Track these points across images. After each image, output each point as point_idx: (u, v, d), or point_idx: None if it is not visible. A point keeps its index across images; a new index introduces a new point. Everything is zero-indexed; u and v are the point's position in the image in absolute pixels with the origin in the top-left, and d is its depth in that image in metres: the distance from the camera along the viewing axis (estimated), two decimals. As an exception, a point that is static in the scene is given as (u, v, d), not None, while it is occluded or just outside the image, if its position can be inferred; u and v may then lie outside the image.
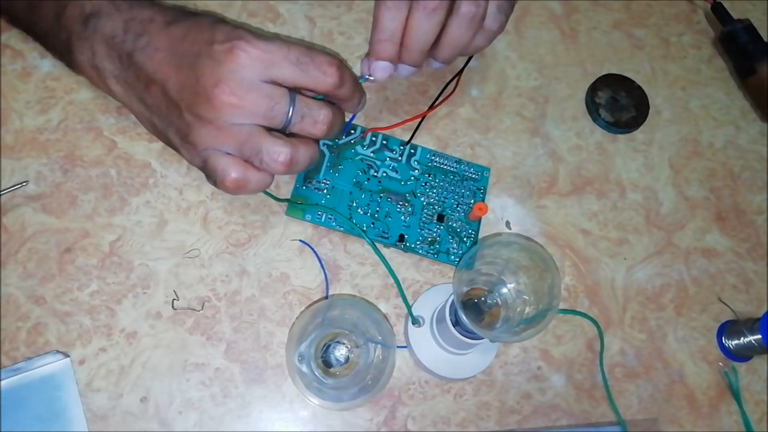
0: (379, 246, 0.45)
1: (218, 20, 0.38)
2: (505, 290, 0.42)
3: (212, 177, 0.38)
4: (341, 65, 0.38)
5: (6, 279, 0.42)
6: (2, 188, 0.42)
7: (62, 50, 0.41)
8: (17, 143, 0.44)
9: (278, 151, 0.37)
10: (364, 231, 0.45)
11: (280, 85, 0.37)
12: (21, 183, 0.43)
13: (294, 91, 0.37)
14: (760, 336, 0.45)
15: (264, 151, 0.37)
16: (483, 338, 0.39)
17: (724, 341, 0.47)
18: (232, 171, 0.37)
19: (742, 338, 0.46)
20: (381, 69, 0.40)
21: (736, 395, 0.46)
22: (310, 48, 0.37)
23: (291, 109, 0.37)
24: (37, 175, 0.44)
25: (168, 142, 0.40)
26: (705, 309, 0.48)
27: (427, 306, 0.44)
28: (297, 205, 0.45)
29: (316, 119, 0.38)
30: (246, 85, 0.35)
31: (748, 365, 0.47)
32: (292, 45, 0.37)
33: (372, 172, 0.47)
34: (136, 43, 0.38)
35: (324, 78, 0.37)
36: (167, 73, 0.37)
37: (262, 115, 0.36)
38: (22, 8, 0.43)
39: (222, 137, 0.37)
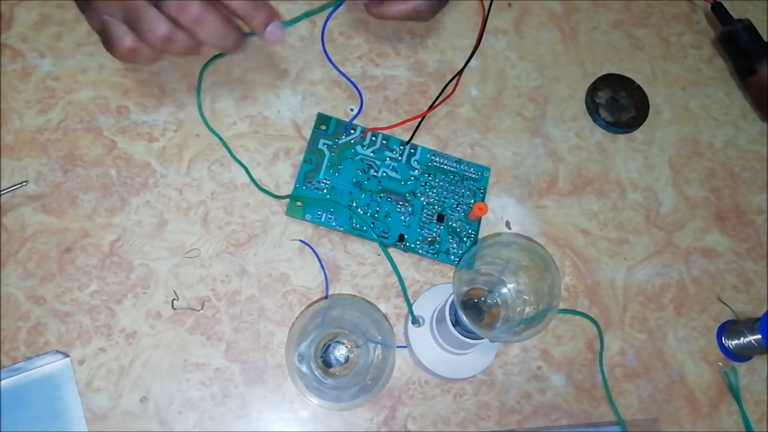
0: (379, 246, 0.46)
1: None
2: (505, 290, 0.42)
3: (108, 43, 0.38)
4: None
5: (6, 279, 0.42)
6: (2, 188, 0.42)
7: None
8: (17, 143, 0.44)
9: (156, 24, 0.37)
10: (373, 232, 0.45)
11: None
12: (21, 183, 0.43)
13: None
14: (760, 336, 0.45)
15: (144, 20, 0.37)
16: (483, 338, 0.39)
17: (724, 341, 0.47)
18: (127, 39, 0.38)
19: (742, 338, 0.46)
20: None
21: (736, 395, 0.46)
22: None
23: None
24: (37, 175, 0.44)
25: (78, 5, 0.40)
26: (705, 309, 0.48)
27: (427, 306, 0.44)
28: (296, 206, 0.45)
29: (183, 6, 0.37)
30: None
31: (748, 365, 0.47)
32: None
33: (372, 171, 0.47)
34: None
35: None
36: None
37: None
38: None
39: (110, 1, 0.37)
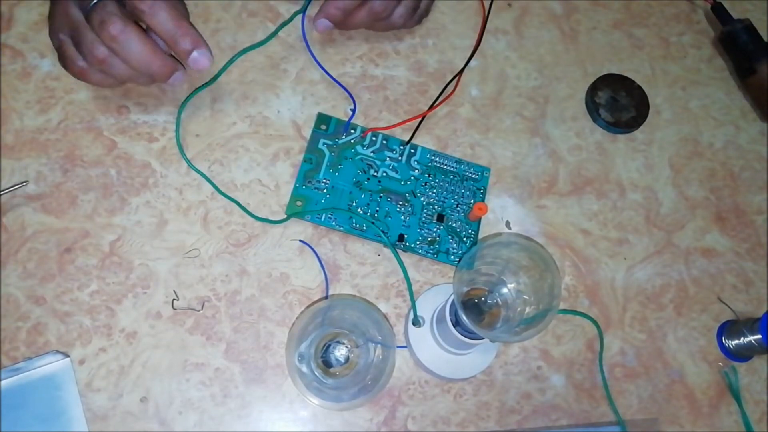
0: (379, 246, 0.45)
1: None
2: (505, 290, 0.42)
3: (62, 62, 0.40)
4: (163, 6, 0.38)
5: (6, 279, 0.42)
6: (2, 188, 0.42)
7: None
8: (17, 143, 0.44)
9: (94, 47, 0.39)
10: (383, 233, 0.45)
11: None
12: (21, 183, 0.43)
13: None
14: (760, 336, 0.45)
15: (84, 43, 0.39)
16: (483, 338, 0.39)
17: (724, 341, 0.47)
18: (78, 61, 0.40)
19: (742, 338, 0.46)
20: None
21: (736, 395, 0.46)
22: None
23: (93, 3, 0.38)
24: (37, 175, 0.44)
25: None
26: (705, 309, 0.48)
27: (427, 306, 0.44)
28: (296, 206, 0.45)
29: (106, 25, 0.38)
30: None
31: (748, 365, 0.47)
32: None
33: (372, 171, 0.47)
34: None
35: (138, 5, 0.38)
36: None
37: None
38: None
39: (62, 19, 0.39)
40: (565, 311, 0.46)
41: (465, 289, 0.42)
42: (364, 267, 0.45)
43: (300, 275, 0.44)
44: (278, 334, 0.43)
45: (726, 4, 0.54)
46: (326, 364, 0.42)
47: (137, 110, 0.46)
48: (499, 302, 0.42)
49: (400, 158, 0.48)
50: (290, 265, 0.44)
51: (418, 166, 0.48)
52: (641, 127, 0.52)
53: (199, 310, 0.43)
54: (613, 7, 0.56)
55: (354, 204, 0.46)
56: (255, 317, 0.43)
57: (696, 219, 0.50)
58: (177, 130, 0.46)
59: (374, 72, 0.50)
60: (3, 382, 0.39)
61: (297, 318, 0.43)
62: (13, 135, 0.44)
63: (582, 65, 0.54)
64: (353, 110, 0.48)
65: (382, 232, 0.45)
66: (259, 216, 0.45)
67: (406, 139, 0.48)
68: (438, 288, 0.45)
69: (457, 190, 0.47)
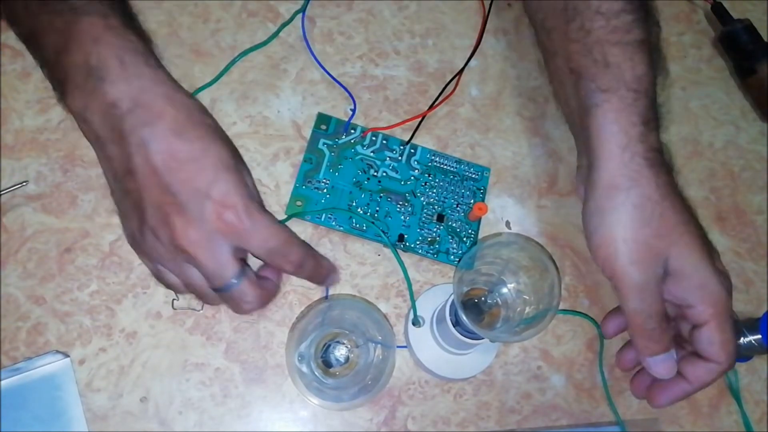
0: (379, 246, 0.45)
1: (222, 166, 0.37)
2: (505, 290, 0.42)
3: (159, 281, 0.40)
4: (303, 262, 0.39)
5: (6, 279, 0.42)
6: (2, 188, 0.42)
7: (55, 86, 0.39)
8: (17, 143, 0.44)
9: (214, 301, 0.40)
10: (383, 233, 0.45)
11: (240, 255, 0.38)
12: (21, 183, 0.43)
13: (246, 268, 0.38)
14: (760, 336, 0.45)
15: (206, 299, 0.40)
16: (483, 338, 0.39)
17: (724, 341, 0.47)
18: (181, 288, 0.39)
19: (742, 338, 0.46)
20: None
21: (736, 395, 0.46)
22: (289, 239, 0.38)
23: (232, 283, 0.37)
24: (37, 175, 0.44)
25: (117, 207, 0.40)
26: (705, 309, 0.48)
27: (427, 306, 0.44)
28: (296, 206, 0.45)
29: (240, 303, 0.39)
30: (210, 245, 0.36)
31: (748, 365, 0.47)
32: (275, 231, 0.38)
33: (372, 171, 0.47)
34: (136, 131, 0.36)
35: (282, 266, 0.39)
36: (151, 184, 0.36)
37: (205, 273, 0.37)
38: (23, 31, 0.40)
39: (163, 260, 0.38)
40: (565, 311, 0.46)
41: (465, 289, 0.42)
42: (364, 267, 0.45)
43: (300, 275, 0.44)
44: (278, 334, 0.43)
45: (726, 4, 0.54)
46: (326, 364, 0.42)
47: (137, 110, 0.46)
48: (499, 302, 0.42)
49: (400, 158, 0.48)
50: (290, 265, 0.44)
51: (418, 166, 0.48)
52: (641, 127, 0.52)
53: (199, 310, 0.43)
54: (613, 7, 0.56)
55: (354, 204, 0.46)
56: (255, 317, 0.43)
57: (696, 219, 0.50)
58: None
59: (374, 72, 0.50)
60: (3, 382, 0.39)
61: (297, 318, 0.43)
62: (13, 135, 0.44)
63: (582, 65, 0.53)
64: (353, 110, 0.48)
65: (382, 232, 0.45)
66: None
67: (406, 139, 0.48)
68: (438, 288, 0.45)
69: (457, 190, 0.47)
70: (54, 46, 0.37)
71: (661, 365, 0.40)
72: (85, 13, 0.37)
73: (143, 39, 0.39)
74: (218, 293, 0.38)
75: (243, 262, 0.38)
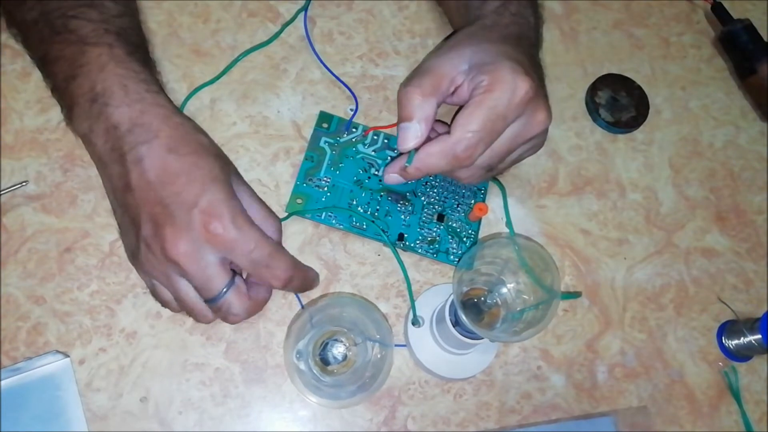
0: (379, 246, 0.45)
1: (211, 178, 0.38)
2: (504, 290, 0.42)
3: (156, 299, 0.41)
4: (291, 277, 0.39)
5: (6, 279, 0.42)
6: (2, 188, 0.42)
7: (64, 110, 0.41)
8: (17, 143, 0.44)
9: (206, 317, 0.40)
10: (383, 232, 0.45)
11: (230, 266, 0.39)
12: (21, 183, 0.43)
13: (236, 278, 0.39)
14: (760, 336, 0.45)
15: (195, 314, 0.40)
16: (483, 338, 0.39)
17: (724, 341, 0.47)
18: (173, 304, 0.40)
19: (742, 338, 0.46)
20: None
21: (736, 395, 0.46)
22: (274, 252, 0.39)
23: (222, 293, 0.38)
24: (37, 175, 0.44)
25: (119, 227, 0.42)
26: (705, 309, 0.48)
27: (426, 306, 0.44)
28: (297, 204, 0.45)
29: (226, 314, 0.39)
30: (198, 256, 0.37)
31: (748, 365, 0.47)
32: (261, 243, 0.38)
33: (373, 170, 0.47)
34: (134, 149, 0.38)
35: (269, 281, 0.39)
36: (146, 198, 0.37)
37: (195, 285, 0.38)
38: (37, 57, 0.43)
39: (156, 273, 0.38)
40: (565, 295, 0.46)
41: (465, 289, 0.42)
42: (364, 267, 0.45)
43: (300, 275, 0.44)
44: (278, 334, 0.43)
45: (726, 4, 0.54)
46: (324, 362, 0.42)
47: (137, 110, 0.46)
48: (499, 302, 0.42)
49: (400, 158, 0.48)
50: (290, 265, 0.44)
51: (418, 166, 0.48)
52: (641, 127, 0.52)
53: (199, 310, 0.43)
54: (613, 7, 0.56)
55: (354, 203, 0.46)
56: (255, 317, 0.43)
57: (696, 219, 0.50)
58: None
59: (374, 72, 0.50)
60: (3, 382, 0.39)
61: (295, 316, 0.43)
62: (13, 135, 0.44)
63: (582, 65, 0.54)
64: (355, 109, 0.48)
65: (382, 230, 0.45)
66: None
67: (406, 139, 0.48)
68: (438, 288, 0.45)
69: (458, 190, 0.47)
70: (63, 74, 0.40)
71: (405, 132, 0.40)
72: (93, 44, 0.40)
73: (146, 66, 0.42)
74: (209, 305, 0.39)
75: (234, 273, 0.39)
